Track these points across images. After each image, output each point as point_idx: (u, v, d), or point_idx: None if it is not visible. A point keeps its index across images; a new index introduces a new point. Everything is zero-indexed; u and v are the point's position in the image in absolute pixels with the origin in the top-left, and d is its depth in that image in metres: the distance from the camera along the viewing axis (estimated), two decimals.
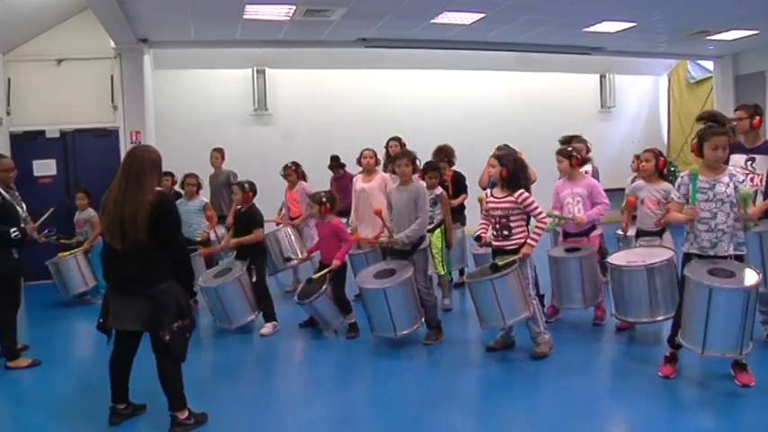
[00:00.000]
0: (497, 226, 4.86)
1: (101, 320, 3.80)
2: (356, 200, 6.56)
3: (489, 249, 5.43)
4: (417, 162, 5.67)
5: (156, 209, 3.57)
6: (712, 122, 4.11)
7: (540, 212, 4.81)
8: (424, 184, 5.73)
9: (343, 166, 8.00)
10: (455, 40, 9.81)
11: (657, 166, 5.26)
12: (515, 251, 4.77)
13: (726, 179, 4.02)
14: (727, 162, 4.29)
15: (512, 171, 4.82)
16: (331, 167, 8.04)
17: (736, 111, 4.90)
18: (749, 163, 4.83)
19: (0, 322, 5.01)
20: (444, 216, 6.10)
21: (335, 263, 5.62)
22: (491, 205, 4.91)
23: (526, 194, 4.81)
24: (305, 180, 7.60)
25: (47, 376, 4.92)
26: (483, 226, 5.10)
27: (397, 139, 7.17)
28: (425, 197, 5.43)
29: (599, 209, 5.44)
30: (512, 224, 4.81)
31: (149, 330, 3.67)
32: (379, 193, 6.31)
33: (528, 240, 4.77)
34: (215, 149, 8.34)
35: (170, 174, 7.67)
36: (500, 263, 4.70)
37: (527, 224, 4.97)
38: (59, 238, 5.58)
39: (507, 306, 4.67)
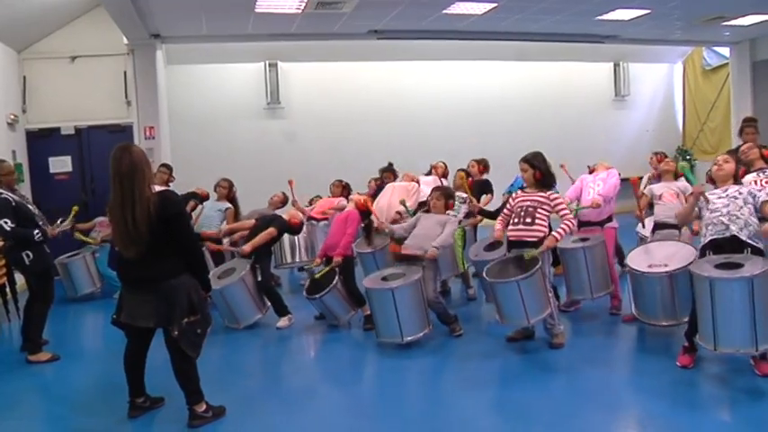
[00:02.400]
0: (522, 213, 4.86)
1: (114, 316, 3.83)
2: (382, 193, 7.04)
3: (488, 255, 5.66)
4: (451, 200, 5.82)
5: (161, 210, 3.52)
6: None
7: (567, 213, 4.87)
8: (453, 217, 5.85)
9: (395, 174, 7.95)
10: (467, 31, 9.72)
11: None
12: (534, 244, 4.74)
13: (735, 186, 4.32)
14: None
15: (544, 172, 4.93)
16: (384, 171, 7.98)
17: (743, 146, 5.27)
18: (760, 173, 4.93)
19: (34, 314, 5.14)
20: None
21: (336, 259, 5.68)
22: (520, 199, 4.96)
23: (558, 195, 4.92)
24: (347, 198, 7.66)
25: (66, 370, 4.97)
26: (500, 222, 5.12)
27: (443, 163, 7.84)
28: (453, 221, 5.64)
29: (611, 184, 5.59)
30: (537, 215, 4.82)
31: (162, 326, 3.67)
32: (403, 190, 6.81)
33: (553, 233, 4.75)
34: (284, 193, 7.90)
35: (167, 166, 7.63)
36: (526, 256, 4.67)
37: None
38: (74, 226, 5.67)
39: (532, 306, 4.66)
